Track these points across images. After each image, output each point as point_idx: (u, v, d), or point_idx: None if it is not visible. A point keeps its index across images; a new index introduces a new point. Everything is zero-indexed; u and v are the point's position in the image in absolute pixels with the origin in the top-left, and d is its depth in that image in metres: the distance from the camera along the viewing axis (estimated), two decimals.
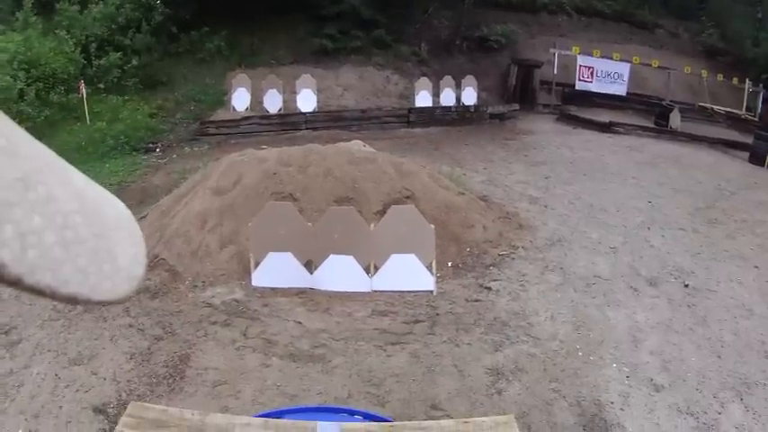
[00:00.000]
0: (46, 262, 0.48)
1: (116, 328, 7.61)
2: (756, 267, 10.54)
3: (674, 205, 13.37)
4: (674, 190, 14.60)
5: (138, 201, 12.25)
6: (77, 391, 6.50)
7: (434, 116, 20.84)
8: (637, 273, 9.88)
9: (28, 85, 16.75)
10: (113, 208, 0.64)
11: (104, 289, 0.54)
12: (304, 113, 19.73)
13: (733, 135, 22.21)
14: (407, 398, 6.57)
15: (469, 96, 22.10)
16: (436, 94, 21.60)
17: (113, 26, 20.61)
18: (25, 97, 16.46)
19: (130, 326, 7.67)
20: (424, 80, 21.68)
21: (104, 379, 6.69)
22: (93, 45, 19.59)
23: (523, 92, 23.72)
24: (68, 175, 0.58)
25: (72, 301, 0.51)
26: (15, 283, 0.46)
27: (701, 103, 25.46)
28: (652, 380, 7.12)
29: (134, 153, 16.57)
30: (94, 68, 19.17)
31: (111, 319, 7.78)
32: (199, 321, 7.83)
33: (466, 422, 3.62)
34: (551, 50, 24.21)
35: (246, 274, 8.77)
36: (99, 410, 6.25)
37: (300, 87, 20.05)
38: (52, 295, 0.49)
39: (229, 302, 8.28)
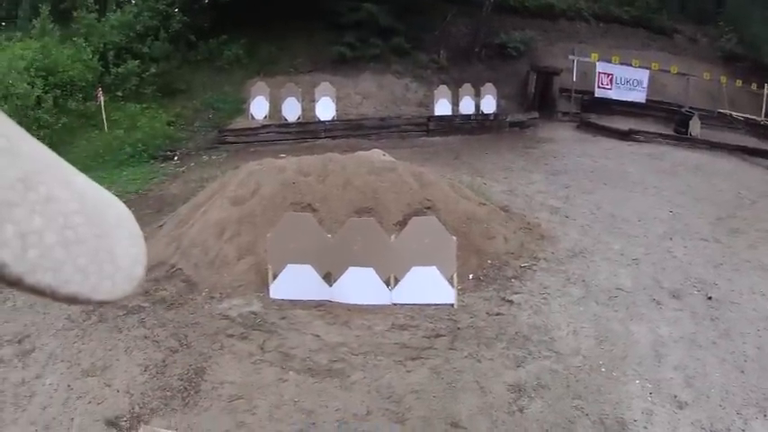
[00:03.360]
0: (47, 262, 0.48)
1: (131, 339, 7.55)
2: None
3: (695, 215, 13.22)
4: (695, 199, 14.46)
5: (155, 209, 12.22)
6: (90, 402, 6.44)
7: (454, 125, 20.75)
8: (659, 285, 9.73)
9: (45, 93, 16.85)
10: (114, 208, 0.64)
11: (105, 289, 0.55)
12: (323, 122, 19.71)
13: (752, 142, 22.11)
14: (427, 415, 6.46)
15: (489, 104, 21.94)
16: (455, 103, 21.46)
17: (131, 34, 20.76)
18: (43, 104, 16.56)
19: (145, 337, 7.61)
20: (444, 88, 21.56)
21: (117, 391, 6.62)
22: (111, 53, 19.74)
23: (543, 99, 23.61)
24: (69, 175, 0.59)
25: (72, 300, 0.51)
26: (16, 283, 0.46)
27: (720, 110, 25.31)
28: (676, 396, 6.98)
29: (152, 161, 16.58)
30: (112, 76, 19.27)
31: (126, 330, 7.72)
32: (215, 334, 7.75)
33: None
34: (570, 57, 24.09)
35: (264, 285, 8.68)
36: (111, 423, 6.19)
37: (319, 95, 20.00)
38: (53, 295, 0.49)
39: (246, 315, 8.20)
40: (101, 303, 0.56)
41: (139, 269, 0.61)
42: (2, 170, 0.48)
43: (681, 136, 21.99)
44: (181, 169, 15.98)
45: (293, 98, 19.70)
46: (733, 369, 7.55)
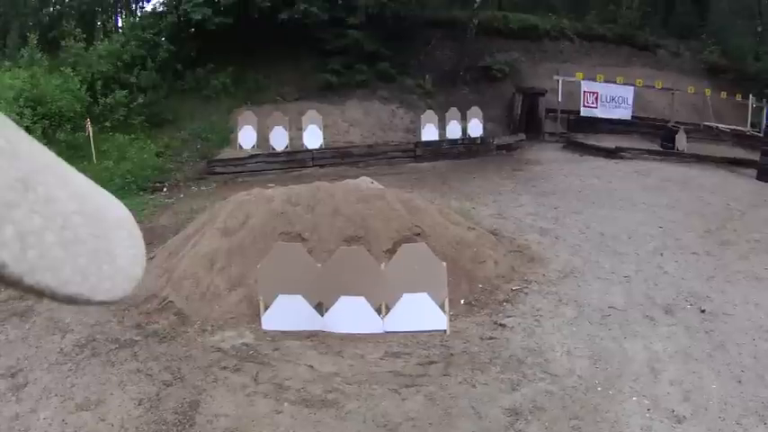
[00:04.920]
0: (46, 262, 0.49)
1: (124, 373, 7.50)
2: None
3: (685, 229, 13.28)
4: (685, 213, 14.53)
5: (145, 241, 11.65)
6: None
7: (441, 150, 20.85)
8: (652, 301, 9.74)
9: (34, 123, 16.80)
10: (113, 209, 0.66)
11: (104, 289, 0.55)
12: (311, 150, 19.76)
13: (739, 153, 22.33)
14: None
15: (476, 128, 22.12)
16: (442, 127, 21.60)
17: (119, 64, 20.98)
18: (32, 135, 16.41)
19: (139, 371, 7.56)
20: (430, 113, 21.72)
21: (112, 425, 6.56)
22: (99, 83, 19.88)
23: (529, 121, 23.80)
24: (68, 175, 0.60)
25: (72, 301, 0.51)
26: (16, 284, 0.47)
27: (706, 123, 25.56)
28: (673, 411, 6.95)
29: (141, 193, 16.56)
30: (101, 106, 19.36)
31: (119, 364, 7.68)
32: (208, 366, 7.70)
33: None
34: (555, 77, 24.27)
35: (256, 317, 8.64)
36: None
37: (306, 124, 20.10)
38: (52, 295, 0.49)
39: (239, 347, 8.16)
40: (100, 304, 0.56)
41: (139, 270, 0.63)
42: (1, 170, 0.48)
43: (668, 151, 22.17)
44: (170, 200, 15.97)
45: (281, 127, 19.75)
46: (730, 380, 7.54)
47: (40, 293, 0.48)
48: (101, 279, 0.55)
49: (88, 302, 0.53)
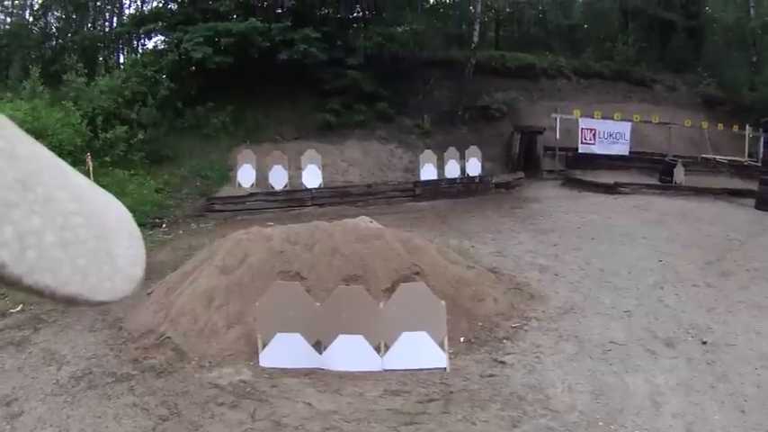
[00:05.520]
0: (45, 262, 0.49)
1: (120, 406, 7.43)
2: None
3: (685, 261, 13.27)
4: (684, 246, 14.53)
5: (144, 277, 12.14)
6: None
7: (440, 189, 20.95)
8: (653, 335, 9.69)
9: None
10: (113, 209, 0.66)
11: (103, 290, 0.55)
12: (310, 189, 19.86)
13: (737, 183, 22.45)
14: None
15: (474, 167, 22.28)
16: (441, 167, 21.72)
17: (120, 99, 21.02)
18: None
19: (135, 405, 7.48)
20: (429, 153, 21.87)
21: None
22: (100, 118, 19.85)
23: (527, 159, 23.87)
24: (68, 176, 0.60)
25: (71, 301, 0.51)
26: (15, 284, 0.47)
27: (703, 155, 25.63)
28: None
29: (140, 228, 16.47)
30: (101, 141, 19.30)
31: (116, 398, 7.62)
32: (205, 402, 7.62)
33: None
34: (553, 115, 24.40)
35: (254, 354, 8.59)
36: None
37: (305, 163, 20.25)
38: (51, 295, 0.50)
39: (237, 383, 8.09)
40: (99, 304, 0.56)
41: (138, 270, 0.63)
42: (0, 171, 0.48)
43: (666, 185, 22.20)
44: (169, 237, 15.98)
45: (280, 166, 19.89)
46: (733, 410, 7.47)
47: (39, 293, 0.48)
48: (100, 279, 0.55)
49: (87, 303, 0.53)
